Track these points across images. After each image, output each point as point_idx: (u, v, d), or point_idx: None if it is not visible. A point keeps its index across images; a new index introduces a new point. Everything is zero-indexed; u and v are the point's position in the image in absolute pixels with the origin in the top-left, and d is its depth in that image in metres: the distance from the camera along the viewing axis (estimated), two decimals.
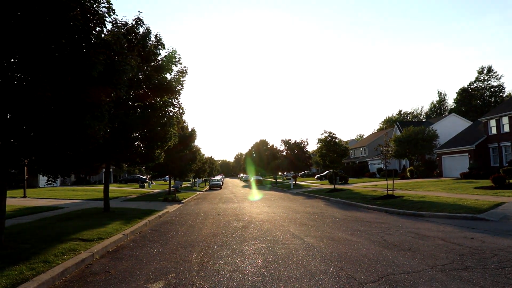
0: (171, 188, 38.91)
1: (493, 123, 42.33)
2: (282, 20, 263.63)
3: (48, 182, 13.59)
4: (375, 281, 6.79)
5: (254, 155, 79.58)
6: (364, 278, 7.02)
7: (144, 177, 73.83)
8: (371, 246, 9.96)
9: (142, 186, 51.43)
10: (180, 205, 27.24)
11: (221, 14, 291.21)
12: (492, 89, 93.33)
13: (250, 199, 31.57)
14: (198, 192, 46.49)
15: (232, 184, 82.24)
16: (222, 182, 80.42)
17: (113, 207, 21.11)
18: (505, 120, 40.36)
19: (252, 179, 73.17)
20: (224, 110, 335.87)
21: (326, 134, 35.67)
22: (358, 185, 41.52)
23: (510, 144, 39.29)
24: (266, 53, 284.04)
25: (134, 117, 17.80)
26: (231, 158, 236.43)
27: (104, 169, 19.97)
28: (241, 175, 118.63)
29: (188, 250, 10.24)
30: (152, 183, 65.59)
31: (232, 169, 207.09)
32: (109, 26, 16.34)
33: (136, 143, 19.45)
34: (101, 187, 29.50)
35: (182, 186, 59.67)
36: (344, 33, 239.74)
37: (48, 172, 12.77)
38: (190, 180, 77.55)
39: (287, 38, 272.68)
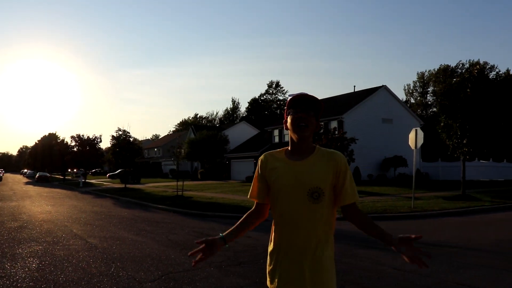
0: None
1: (276, 132, 47.38)
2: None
3: None
4: (155, 280, 6.88)
5: (41, 149, 73.59)
6: (145, 277, 7.05)
7: None
8: (155, 245, 10.06)
9: None
10: None
11: None
12: (278, 102, 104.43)
13: (32, 197, 28.70)
14: None
15: (13, 180, 73.87)
16: (1, 178, 71.98)
17: None
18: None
19: (38, 175, 67.27)
20: (8, 96, 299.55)
21: (120, 132, 34.99)
22: (151, 185, 41.66)
23: None
24: (60, 40, 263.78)
25: None
26: (14, 151, 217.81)
27: None
28: (25, 170, 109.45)
29: None
30: None
31: (15, 164, 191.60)
32: None
33: None
34: None
35: None
36: (145, 33, 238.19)
37: None
38: None
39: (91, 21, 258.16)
